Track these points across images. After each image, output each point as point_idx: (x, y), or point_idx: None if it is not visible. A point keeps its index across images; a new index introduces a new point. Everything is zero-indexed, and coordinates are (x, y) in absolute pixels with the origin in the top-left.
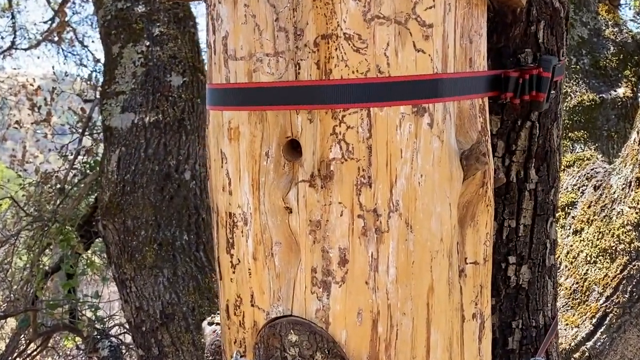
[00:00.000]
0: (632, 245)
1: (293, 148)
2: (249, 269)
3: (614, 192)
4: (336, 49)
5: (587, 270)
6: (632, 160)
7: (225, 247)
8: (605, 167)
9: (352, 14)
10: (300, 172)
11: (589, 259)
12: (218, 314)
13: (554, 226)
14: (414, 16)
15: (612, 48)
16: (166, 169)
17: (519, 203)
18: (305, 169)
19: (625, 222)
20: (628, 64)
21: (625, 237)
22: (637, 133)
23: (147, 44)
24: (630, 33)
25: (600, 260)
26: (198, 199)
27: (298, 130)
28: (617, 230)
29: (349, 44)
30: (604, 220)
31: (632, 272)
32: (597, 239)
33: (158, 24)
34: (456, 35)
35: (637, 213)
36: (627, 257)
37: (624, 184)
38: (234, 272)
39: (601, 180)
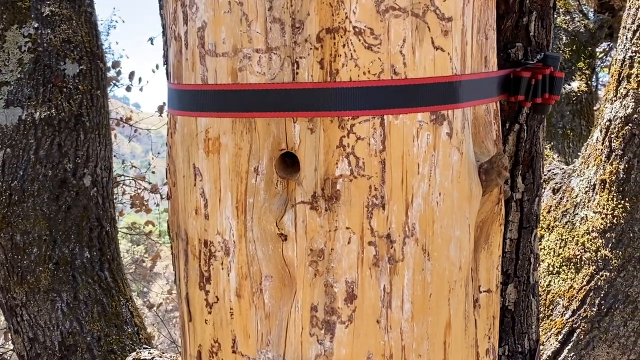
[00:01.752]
0: (599, 253)
1: (288, 163)
2: (231, 309)
3: (576, 196)
4: (344, 45)
5: (550, 281)
6: (595, 161)
7: (197, 282)
8: (563, 168)
9: (364, 4)
10: (298, 191)
11: (551, 269)
12: (145, 348)
13: (536, 239)
14: (433, 8)
15: (564, 38)
16: (62, 173)
17: (506, 215)
18: (304, 188)
19: (591, 229)
20: (581, 56)
21: (591, 244)
22: (600, 131)
23: (36, 25)
24: (583, 22)
25: (564, 271)
26: (100, 208)
27: (295, 142)
28: (582, 237)
29: (360, 40)
30: (567, 226)
31: (599, 283)
32: (560, 247)
33: (48, 3)
34: (473, 31)
35: (603, 218)
36: (594, 266)
37: (587, 187)
38: (209, 312)
39: (560, 183)
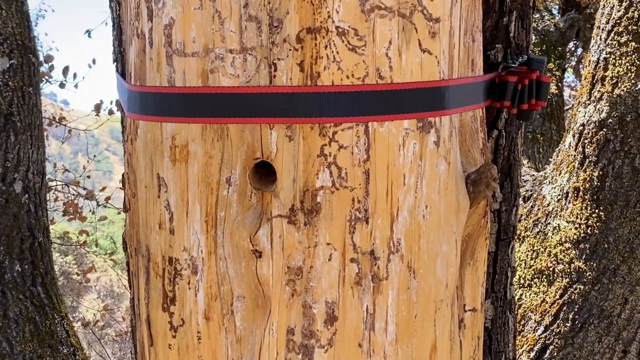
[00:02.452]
0: (572, 265)
1: (263, 173)
2: (198, 332)
3: (548, 205)
4: (326, 46)
5: (522, 295)
6: (568, 167)
7: (160, 303)
8: (534, 175)
9: (347, 2)
10: (274, 204)
11: (522, 281)
12: None
13: (514, 251)
14: (420, 8)
15: (533, 37)
16: None
17: None
18: (282, 201)
19: (563, 239)
20: (551, 56)
21: (564, 256)
22: (573, 136)
23: None
24: (553, 20)
25: (535, 284)
26: (32, 217)
27: (272, 150)
28: (554, 248)
29: (343, 41)
30: (538, 236)
31: (573, 297)
32: (531, 259)
33: None
34: (461, 33)
35: (576, 228)
36: (567, 279)
37: (559, 195)
38: (174, 336)
39: (531, 190)
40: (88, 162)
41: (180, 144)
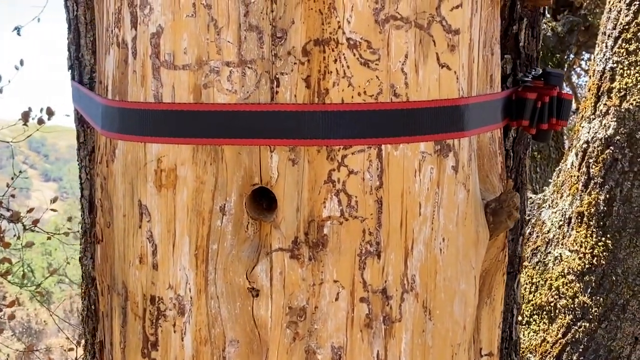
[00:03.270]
0: (577, 300)
1: (261, 202)
2: None
3: (549, 231)
4: (336, 60)
5: (520, 333)
6: (570, 190)
7: (139, 348)
8: (531, 198)
9: (360, 12)
10: (274, 236)
11: (520, 318)
12: None
13: (519, 286)
14: (439, 18)
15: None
16: None
17: None
18: (283, 232)
19: (566, 270)
20: (549, 63)
21: (567, 289)
22: (576, 155)
23: None
24: (550, 24)
25: (535, 321)
26: None
27: (272, 175)
28: (556, 280)
29: (355, 55)
30: (538, 267)
31: (577, 336)
32: (530, 293)
33: None
34: (480, 45)
35: (580, 258)
36: (571, 315)
37: (561, 220)
38: None
39: (529, 215)
40: (13, 178)
41: (167, 167)
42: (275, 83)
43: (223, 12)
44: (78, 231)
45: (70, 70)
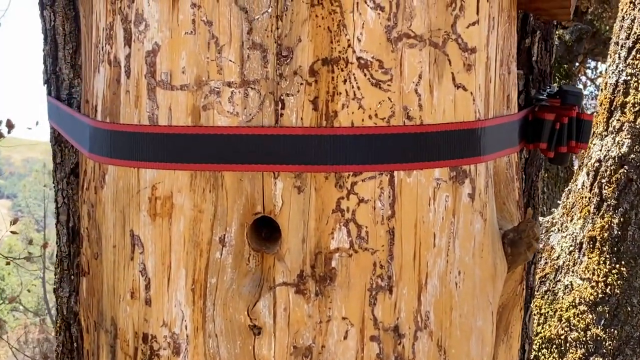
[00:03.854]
0: (589, 332)
1: (263, 232)
2: None
3: (558, 257)
4: (345, 80)
5: None
6: (581, 212)
7: None
8: (539, 221)
9: (372, 29)
10: (278, 269)
11: None
12: None
13: (532, 319)
14: (454, 36)
15: None
16: None
17: None
18: (288, 265)
19: (577, 300)
20: (556, 75)
21: (579, 321)
22: (587, 174)
23: None
24: (558, 32)
25: (544, 355)
26: None
27: (276, 204)
28: (566, 311)
29: (365, 75)
30: (546, 297)
31: None
32: (539, 324)
33: None
34: (497, 64)
35: (593, 287)
36: (583, 349)
37: (571, 245)
38: None
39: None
40: None
41: (162, 195)
42: (280, 105)
43: (225, 29)
44: (40, 255)
45: (46, 85)
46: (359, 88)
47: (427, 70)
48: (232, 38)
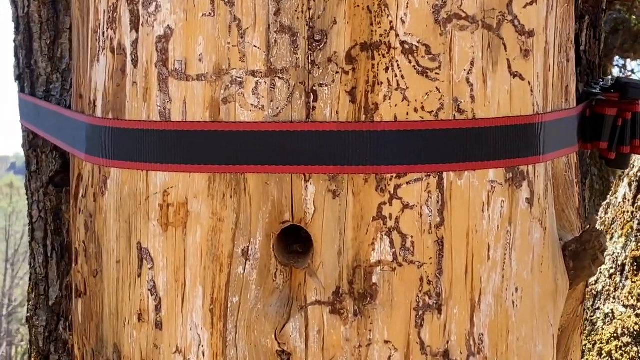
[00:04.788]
0: None
1: (291, 243)
2: None
3: (596, 282)
4: (387, 68)
5: None
6: (623, 230)
7: None
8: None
9: (417, 9)
10: (310, 286)
11: None
12: None
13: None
14: (510, 17)
15: None
16: None
17: None
18: (321, 281)
19: (620, 331)
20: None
21: (622, 355)
22: (629, 186)
23: None
24: None
25: None
26: None
27: (307, 211)
28: (607, 344)
29: (411, 62)
30: (584, 327)
31: None
32: None
33: None
34: (555, 50)
35: (638, 316)
36: None
37: (612, 267)
38: None
39: None
40: None
41: (175, 201)
42: (312, 97)
43: (249, 10)
44: None
45: (18, 81)
46: (403, 77)
47: (480, 57)
48: (257, 20)
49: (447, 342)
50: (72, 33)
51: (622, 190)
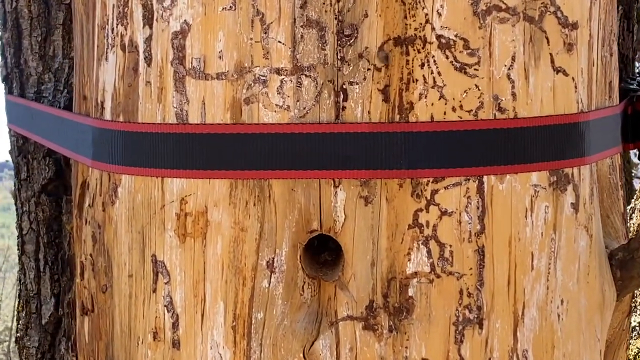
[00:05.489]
0: None
1: (319, 254)
2: None
3: None
4: (423, 65)
5: None
6: None
7: None
8: None
9: (454, 1)
10: (340, 300)
11: None
12: None
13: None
14: (553, 8)
15: None
16: None
17: None
18: (353, 295)
19: None
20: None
21: None
22: None
23: None
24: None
25: None
26: None
27: (337, 219)
28: (635, 358)
29: (448, 57)
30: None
31: None
32: None
33: None
34: (599, 43)
35: None
36: None
37: None
38: None
39: None
40: None
41: (194, 210)
42: (342, 96)
43: (272, 3)
44: None
45: (5, 82)
46: (439, 74)
47: (521, 51)
48: (282, 14)
49: (489, 359)
50: (72, 30)
51: None
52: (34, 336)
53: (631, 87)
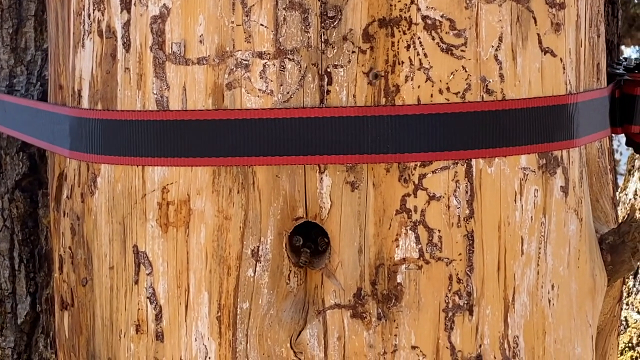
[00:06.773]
0: None
1: (304, 242)
2: None
3: None
4: (408, 46)
5: None
6: None
7: None
8: None
9: None
10: (328, 288)
11: None
12: None
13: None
14: None
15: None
16: None
17: None
18: (341, 283)
19: (635, 340)
20: None
21: None
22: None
23: None
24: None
25: None
26: None
27: (323, 206)
28: (622, 354)
29: (434, 38)
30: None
31: None
32: None
33: None
34: (586, 23)
35: None
36: None
37: None
38: None
39: None
40: None
41: (176, 199)
42: (327, 79)
43: None
44: None
45: None
46: (426, 55)
47: (508, 31)
48: None
49: (480, 346)
50: (44, 21)
51: (633, 185)
52: (10, 336)
53: (617, 71)
